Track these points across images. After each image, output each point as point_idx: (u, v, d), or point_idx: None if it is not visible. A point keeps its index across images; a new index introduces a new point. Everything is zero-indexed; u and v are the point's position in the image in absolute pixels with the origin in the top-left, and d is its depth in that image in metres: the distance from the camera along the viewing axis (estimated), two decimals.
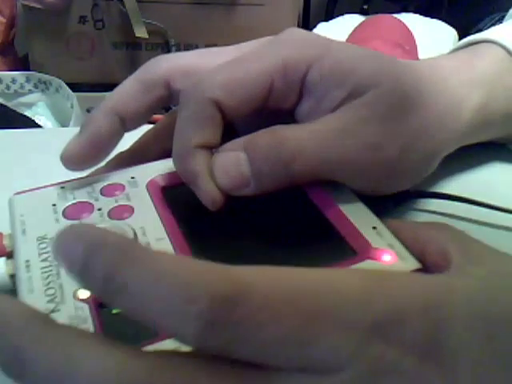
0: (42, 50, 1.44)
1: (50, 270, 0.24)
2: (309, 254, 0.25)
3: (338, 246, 0.25)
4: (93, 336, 0.19)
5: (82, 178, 0.30)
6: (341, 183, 0.28)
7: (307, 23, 1.65)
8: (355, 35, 1.09)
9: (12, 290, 0.24)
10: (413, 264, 0.23)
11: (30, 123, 1.15)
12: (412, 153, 0.29)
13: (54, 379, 0.17)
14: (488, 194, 0.34)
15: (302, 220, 0.27)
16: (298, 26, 1.50)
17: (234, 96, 0.27)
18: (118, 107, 0.30)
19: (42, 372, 0.17)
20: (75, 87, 1.29)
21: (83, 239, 0.17)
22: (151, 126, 0.33)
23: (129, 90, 0.30)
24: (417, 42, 1.08)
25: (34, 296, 0.23)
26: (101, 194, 0.29)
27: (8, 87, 1.32)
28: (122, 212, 0.27)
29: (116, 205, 0.28)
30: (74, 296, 0.22)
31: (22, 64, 1.48)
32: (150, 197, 0.28)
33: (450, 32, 1.20)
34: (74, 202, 0.28)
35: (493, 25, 0.40)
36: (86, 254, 0.17)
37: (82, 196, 0.28)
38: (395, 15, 1.16)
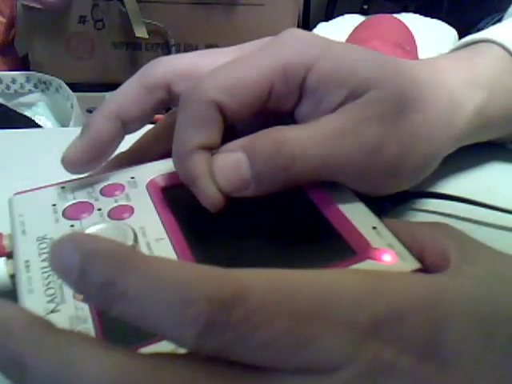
0: (42, 50, 1.44)
1: (50, 270, 0.24)
2: (308, 253, 0.25)
3: (337, 246, 0.25)
4: (92, 339, 0.19)
5: (81, 177, 0.30)
6: (341, 183, 0.28)
7: (307, 23, 1.65)
8: (355, 35, 1.09)
9: (12, 290, 0.24)
10: (413, 264, 0.23)
11: (30, 123, 1.15)
12: (412, 153, 0.29)
13: (54, 383, 0.17)
14: (487, 194, 0.34)
15: (301, 220, 0.27)
16: (298, 26, 1.51)
17: (234, 98, 0.27)
18: (119, 110, 0.30)
19: (42, 376, 0.17)
20: (75, 87, 1.29)
21: (79, 248, 0.17)
22: (151, 125, 0.33)
23: (130, 94, 0.30)
24: (417, 42, 1.08)
25: (33, 296, 0.23)
26: (101, 194, 0.29)
27: (8, 87, 1.32)
28: (121, 212, 0.27)
29: (116, 205, 0.28)
30: (74, 296, 0.22)
31: (22, 64, 1.48)
32: (150, 197, 0.28)
33: (450, 32, 1.20)
34: (74, 202, 0.28)
35: (493, 25, 0.40)
36: (83, 262, 0.17)
37: (81, 196, 0.28)
38: (395, 15, 1.16)
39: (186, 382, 0.17)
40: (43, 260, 0.24)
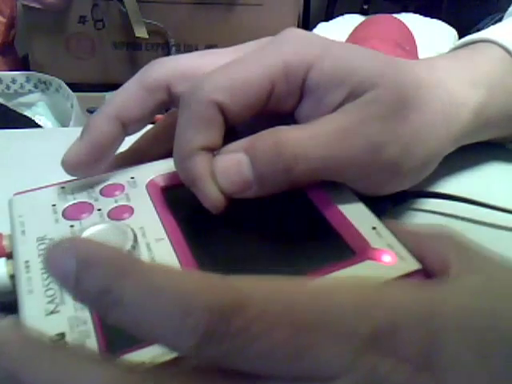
0: (42, 50, 1.45)
1: None
2: (308, 254, 0.25)
3: (337, 247, 0.25)
4: (89, 355, 0.19)
5: (81, 178, 0.30)
6: (340, 183, 0.28)
7: (307, 23, 1.65)
8: (355, 35, 1.09)
9: (12, 290, 0.24)
10: (413, 264, 0.23)
11: (30, 123, 1.15)
12: (412, 153, 0.29)
13: None
14: (488, 193, 0.34)
15: (301, 220, 0.27)
16: (298, 26, 1.50)
17: (234, 98, 0.27)
18: (119, 112, 0.30)
19: None
20: (75, 87, 1.29)
21: (75, 254, 0.17)
22: (151, 125, 0.33)
23: (130, 95, 0.30)
24: (417, 42, 1.08)
25: (33, 297, 0.23)
26: (101, 194, 0.29)
27: (8, 87, 1.32)
28: (121, 212, 0.27)
29: (116, 205, 0.28)
30: None
31: (22, 64, 1.48)
32: (150, 197, 0.28)
33: (450, 32, 1.20)
34: (74, 202, 0.28)
35: (493, 25, 0.40)
36: (79, 269, 0.17)
37: (81, 196, 0.28)
38: (395, 15, 1.16)
39: None
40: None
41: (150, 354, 0.19)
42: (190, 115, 0.27)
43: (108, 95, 1.30)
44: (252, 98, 0.27)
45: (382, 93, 0.28)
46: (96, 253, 0.17)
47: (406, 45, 1.03)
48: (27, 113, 1.24)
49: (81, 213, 0.27)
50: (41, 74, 1.33)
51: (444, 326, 0.18)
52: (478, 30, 0.39)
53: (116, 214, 0.27)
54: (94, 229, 0.25)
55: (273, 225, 0.27)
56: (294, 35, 0.29)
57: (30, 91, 1.33)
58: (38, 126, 1.18)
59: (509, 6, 0.47)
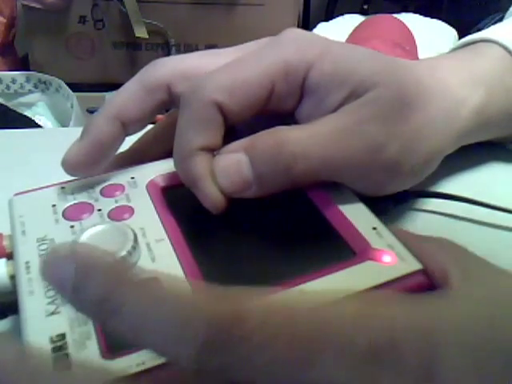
0: (42, 50, 1.45)
1: None
2: (308, 254, 0.25)
3: (337, 247, 0.25)
4: (89, 371, 0.19)
5: (82, 178, 0.30)
6: (341, 183, 0.28)
7: (307, 23, 1.65)
8: (355, 35, 1.09)
9: (12, 291, 0.24)
10: (413, 265, 0.23)
11: (30, 123, 1.15)
12: (412, 153, 0.29)
13: None
14: (488, 193, 0.34)
15: (301, 220, 0.27)
16: (298, 26, 1.51)
17: (234, 98, 0.27)
18: (119, 112, 0.29)
19: None
20: (75, 87, 1.30)
21: (73, 262, 0.17)
22: (151, 125, 0.33)
23: (130, 95, 0.30)
24: (417, 42, 1.08)
25: (34, 298, 0.23)
26: (101, 194, 0.29)
27: (8, 87, 1.32)
28: (121, 213, 0.27)
29: (116, 205, 0.28)
30: None
31: (22, 64, 1.48)
32: (150, 197, 0.28)
33: (450, 32, 1.20)
34: (74, 202, 0.28)
35: (493, 25, 0.40)
36: (79, 276, 0.17)
37: (81, 196, 0.28)
38: (395, 15, 1.16)
39: None
40: None
41: (151, 355, 0.19)
42: (190, 116, 0.27)
43: (108, 95, 1.30)
44: (252, 98, 0.27)
45: (383, 92, 0.28)
46: (94, 261, 0.17)
47: (406, 45, 1.04)
48: (27, 113, 1.24)
49: (81, 213, 0.27)
50: (41, 74, 1.33)
51: (444, 340, 0.18)
52: (479, 30, 0.39)
53: (116, 215, 0.27)
54: (94, 229, 0.25)
55: (273, 225, 0.27)
56: (294, 35, 0.29)
57: (30, 91, 1.33)
58: (38, 125, 1.18)
59: (509, 6, 0.47)
